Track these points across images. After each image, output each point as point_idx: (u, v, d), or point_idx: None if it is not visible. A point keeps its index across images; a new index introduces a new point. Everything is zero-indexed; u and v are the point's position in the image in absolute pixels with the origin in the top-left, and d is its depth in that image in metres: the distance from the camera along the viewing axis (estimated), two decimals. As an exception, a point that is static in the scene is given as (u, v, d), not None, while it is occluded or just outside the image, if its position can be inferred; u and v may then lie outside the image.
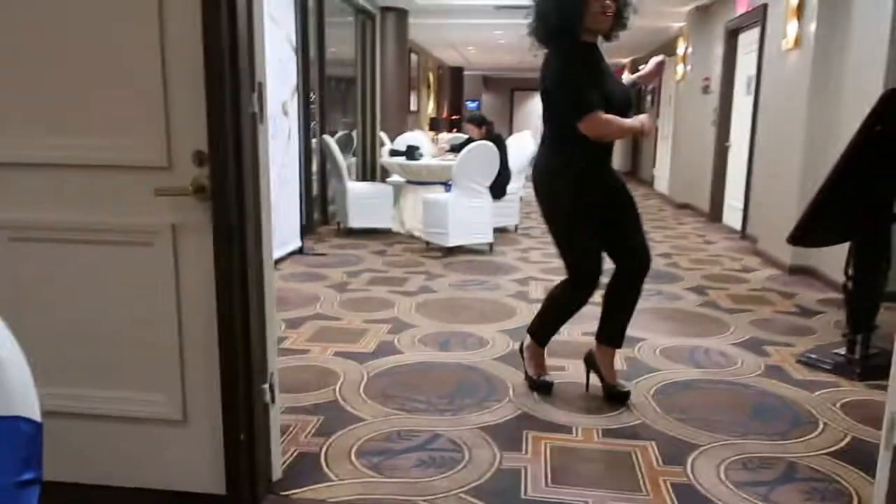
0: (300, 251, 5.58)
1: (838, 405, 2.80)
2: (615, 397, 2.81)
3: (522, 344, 3.05)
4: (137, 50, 1.73)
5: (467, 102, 19.74)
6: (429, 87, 14.81)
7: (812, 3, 5.11)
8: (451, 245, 5.66)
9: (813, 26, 5.10)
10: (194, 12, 1.69)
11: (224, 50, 1.73)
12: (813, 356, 3.32)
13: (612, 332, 2.90)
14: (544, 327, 2.95)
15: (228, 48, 1.74)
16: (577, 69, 2.62)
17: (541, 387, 2.90)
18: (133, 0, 1.71)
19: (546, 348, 2.99)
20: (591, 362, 2.93)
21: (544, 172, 2.78)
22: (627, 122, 2.65)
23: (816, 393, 2.92)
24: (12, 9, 1.74)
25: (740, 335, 3.71)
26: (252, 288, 1.85)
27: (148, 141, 1.78)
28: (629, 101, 2.78)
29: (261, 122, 1.89)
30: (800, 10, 5.32)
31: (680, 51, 9.70)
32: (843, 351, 3.28)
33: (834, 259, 3.36)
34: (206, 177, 1.76)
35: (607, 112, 2.58)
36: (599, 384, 2.87)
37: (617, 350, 2.94)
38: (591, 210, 2.71)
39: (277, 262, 5.14)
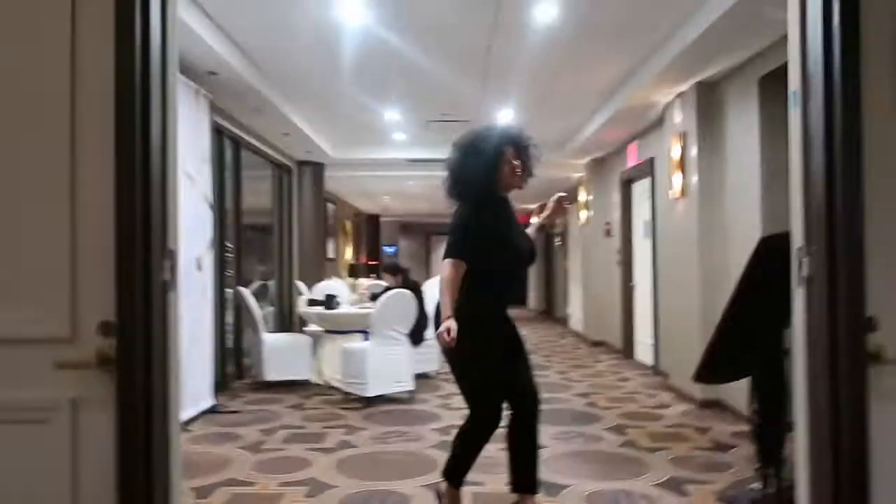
0: (213, 410, 5.32)
1: (758, 544, 2.82)
2: None
3: (438, 492, 3.03)
4: (46, 220, 1.72)
5: (385, 248, 20.15)
6: (346, 233, 15.10)
7: (692, 158, 5.70)
8: (370, 395, 5.56)
9: (695, 178, 5.65)
10: (105, 182, 1.71)
11: (137, 219, 1.74)
12: (731, 494, 3.37)
13: (525, 478, 2.95)
14: (459, 469, 2.97)
15: (141, 217, 1.75)
16: (467, 221, 2.91)
17: None
18: (43, 170, 1.72)
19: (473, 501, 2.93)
20: None
21: (458, 308, 2.84)
22: (446, 301, 2.79)
23: (737, 532, 2.94)
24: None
25: (661, 475, 3.74)
26: (157, 467, 1.75)
27: (50, 312, 1.73)
28: (532, 253, 3.11)
29: (172, 290, 1.88)
30: (682, 164, 5.91)
31: (582, 198, 10.42)
32: (758, 486, 3.35)
33: (741, 392, 3.54)
34: (111, 348, 1.71)
35: (510, 260, 2.92)
36: None
37: (535, 496, 2.94)
38: (494, 352, 2.89)
39: (188, 422, 4.87)
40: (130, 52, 1.71)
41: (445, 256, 2.90)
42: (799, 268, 1.96)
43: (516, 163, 2.99)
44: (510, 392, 2.94)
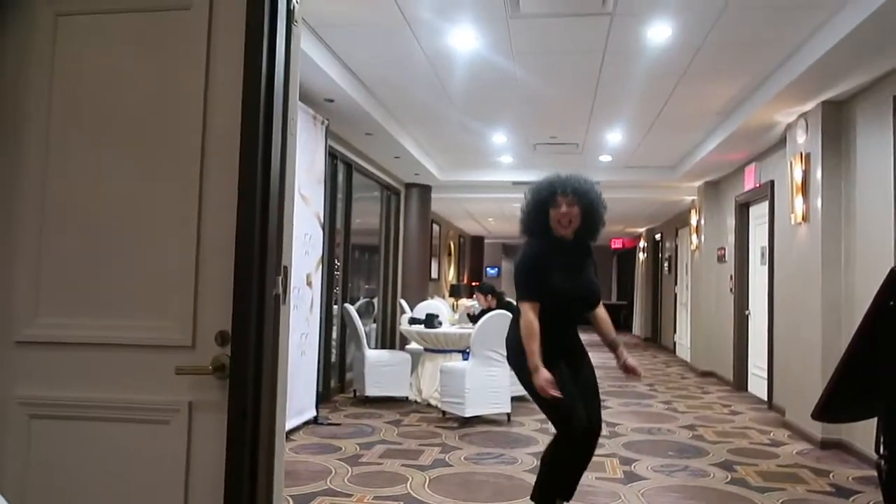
0: (315, 421, 5.51)
1: None
2: None
3: None
4: (176, 237, 1.87)
5: (487, 269, 20.21)
6: (450, 254, 15.28)
7: (816, 181, 5.37)
8: (467, 415, 5.57)
9: (819, 202, 5.31)
10: (229, 205, 1.84)
11: (255, 238, 1.85)
12: (853, 544, 3.10)
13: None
14: (544, 487, 3.09)
15: (259, 236, 1.87)
16: (534, 261, 3.07)
17: None
18: (176, 195, 1.88)
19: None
20: None
21: (516, 342, 3.07)
22: (531, 349, 2.93)
23: (860, 588, 2.71)
24: (63, 208, 1.91)
25: (773, 519, 3.51)
26: (261, 468, 1.84)
27: (174, 321, 1.87)
28: (591, 294, 3.22)
29: (283, 303, 1.99)
30: (804, 187, 5.57)
31: (693, 222, 10.04)
32: (885, 538, 3.07)
33: (868, 433, 3.26)
34: (226, 356, 1.83)
35: (560, 299, 3.03)
36: None
37: None
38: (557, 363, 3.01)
39: (291, 432, 5.07)
40: (256, 84, 1.84)
41: (521, 299, 3.05)
42: (933, 301, 1.80)
43: (565, 210, 3.08)
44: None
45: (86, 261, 1.90)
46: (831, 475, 4.36)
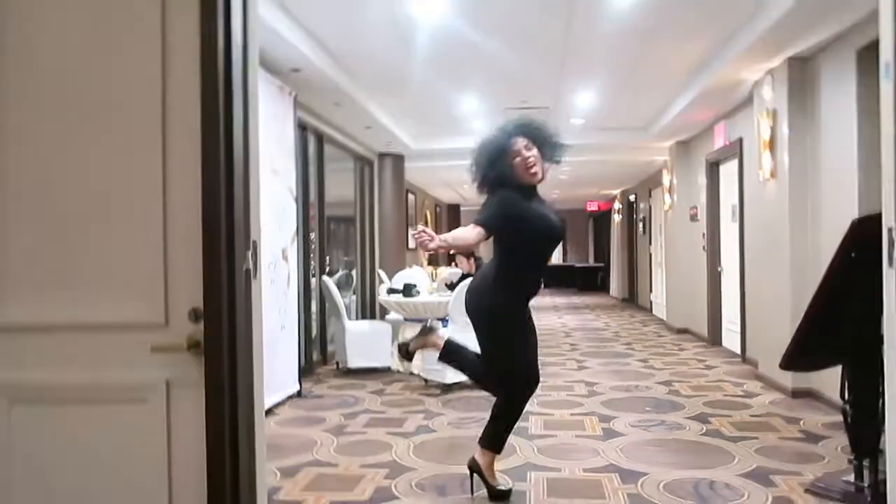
0: (298, 394, 5.55)
1: (851, 540, 2.70)
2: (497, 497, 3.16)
3: (474, 462, 3.25)
4: (141, 217, 1.86)
5: (465, 236, 20.21)
6: (427, 223, 15.27)
7: (783, 136, 5.44)
8: (449, 382, 5.64)
9: (786, 158, 5.39)
10: (193, 180, 1.83)
11: (221, 213, 1.85)
12: (821, 485, 3.24)
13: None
14: (497, 435, 3.22)
15: (225, 211, 1.86)
16: (501, 202, 2.99)
17: (506, 493, 3.19)
18: (138, 173, 1.86)
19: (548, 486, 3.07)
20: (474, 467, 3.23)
21: (485, 296, 3.14)
22: (447, 241, 2.91)
23: (827, 527, 2.83)
24: (23, 192, 1.89)
25: (746, 465, 3.63)
26: (242, 443, 1.86)
27: (147, 300, 1.86)
28: (559, 235, 3.17)
29: (254, 278, 1.99)
30: (772, 144, 5.64)
31: (665, 182, 10.13)
32: (851, 478, 3.20)
33: (836, 381, 3.38)
34: (200, 333, 1.83)
35: (539, 242, 3.07)
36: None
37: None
38: (527, 326, 3.18)
39: (275, 406, 5.10)
40: (213, 54, 1.81)
41: (476, 222, 2.93)
42: (890, 249, 1.86)
43: (527, 154, 3.01)
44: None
45: (51, 243, 1.88)
46: (802, 422, 4.51)
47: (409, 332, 6.69)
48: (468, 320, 5.67)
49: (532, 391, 3.23)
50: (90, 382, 1.87)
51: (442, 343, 3.34)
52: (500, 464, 3.73)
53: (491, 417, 3.25)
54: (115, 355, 1.87)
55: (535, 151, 3.04)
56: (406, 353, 3.42)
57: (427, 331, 3.37)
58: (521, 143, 3.03)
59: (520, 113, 3.28)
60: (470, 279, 5.91)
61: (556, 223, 3.13)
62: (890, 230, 1.86)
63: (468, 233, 2.90)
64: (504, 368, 3.15)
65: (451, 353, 3.35)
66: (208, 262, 1.82)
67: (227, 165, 1.85)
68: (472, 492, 3.25)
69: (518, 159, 3.01)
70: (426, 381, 5.96)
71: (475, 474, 3.24)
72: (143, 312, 1.86)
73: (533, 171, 3.03)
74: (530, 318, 3.24)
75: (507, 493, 3.20)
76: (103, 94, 1.87)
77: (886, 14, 1.88)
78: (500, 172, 3.01)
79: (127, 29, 1.87)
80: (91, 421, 1.87)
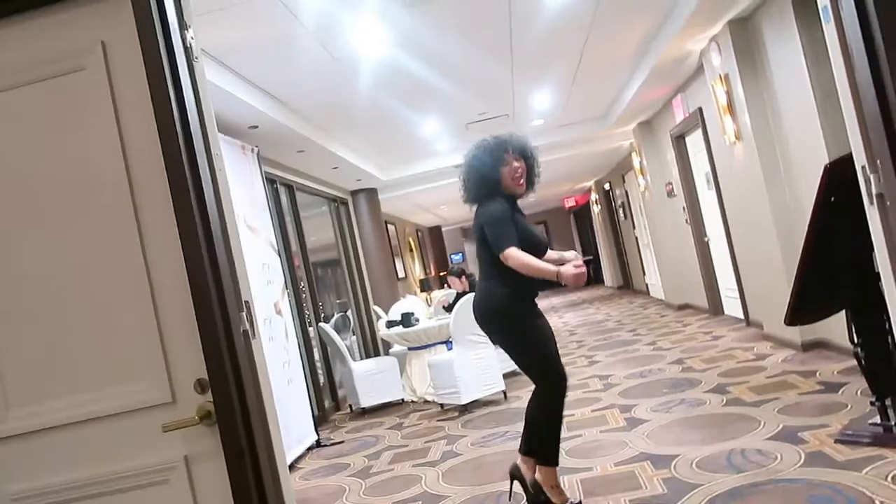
0: (317, 444, 5.49)
1: (890, 478, 2.70)
2: None
3: (516, 468, 3.15)
4: (129, 298, 1.84)
5: (452, 255, 20.26)
6: (411, 250, 15.27)
7: (740, 98, 5.52)
8: (465, 402, 5.61)
9: (747, 118, 5.46)
10: (175, 253, 1.82)
11: (208, 280, 1.83)
12: (850, 433, 3.24)
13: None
14: (550, 445, 3.08)
15: (212, 278, 1.84)
16: (504, 213, 3.06)
17: None
18: (116, 249, 1.84)
19: (583, 487, 2.94)
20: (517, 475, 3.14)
21: (490, 302, 3.12)
22: (543, 265, 2.95)
23: (865, 471, 2.83)
24: (6, 296, 1.86)
25: (772, 427, 3.63)
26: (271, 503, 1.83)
27: (151, 381, 1.84)
28: (546, 244, 3.24)
29: (253, 338, 1.97)
30: (730, 107, 5.72)
31: (636, 164, 10.22)
32: (878, 419, 3.21)
33: (843, 327, 3.40)
34: (210, 402, 1.81)
35: (530, 250, 3.02)
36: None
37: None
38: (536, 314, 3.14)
39: (297, 461, 5.04)
40: (171, 130, 1.80)
41: (504, 247, 2.97)
42: (867, 187, 1.88)
43: (517, 165, 3.15)
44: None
45: (43, 343, 1.85)
46: (818, 374, 4.52)
47: (416, 363, 6.66)
48: (471, 338, 5.70)
49: (565, 385, 3.10)
50: (107, 474, 1.83)
51: (528, 461, 3.14)
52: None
53: (533, 433, 3.10)
54: (127, 442, 1.84)
55: (522, 164, 3.18)
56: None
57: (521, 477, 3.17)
58: (509, 155, 3.15)
59: (507, 130, 3.40)
60: (466, 297, 5.92)
61: (542, 236, 3.31)
62: (864, 168, 1.88)
63: (520, 255, 2.95)
64: (537, 365, 3.08)
65: (535, 449, 3.13)
66: (205, 331, 1.80)
67: (206, 232, 1.84)
68: None
69: (507, 169, 3.13)
70: (442, 406, 5.92)
71: (514, 479, 3.15)
72: (149, 393, 1.84)
73: (521, 181, 3.18)
74: (542, 315, 3.22)
75: None
76: (69, 190, 1.86)
77: (816, -38, 1.92)
78: (489, 182, 3.14)
79: (80, 120, 1.86)
80: (115, 513, 1.83)
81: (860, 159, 1.89)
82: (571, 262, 2.94)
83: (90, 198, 1.86)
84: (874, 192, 1.84)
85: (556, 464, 3.09)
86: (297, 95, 5.64)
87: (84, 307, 1.86)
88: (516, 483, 3.18)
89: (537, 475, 3.09)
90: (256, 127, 5.57)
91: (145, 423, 1.83)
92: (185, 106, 1.85)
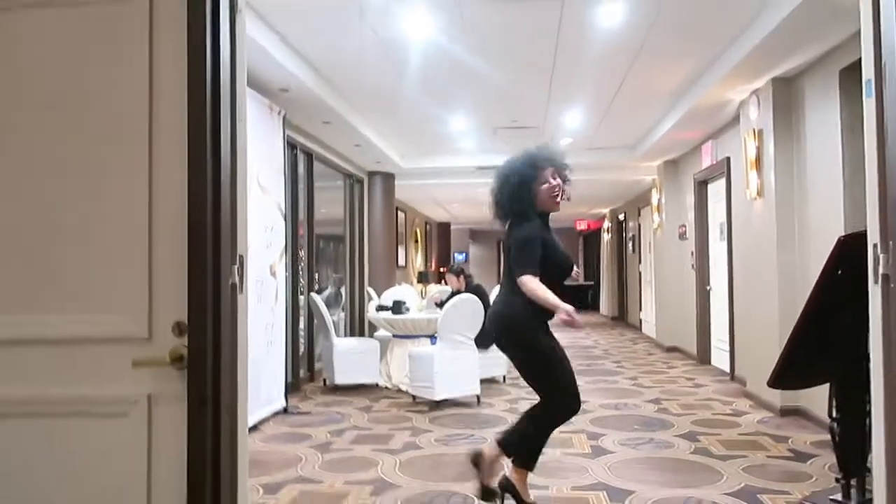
0: (284, 410, 5.50)
1: (839, 558, 2.69)
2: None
3: (507, 480, 3.14)
4: (127, 230, 1.84)
5: (455, 254, 20.26)
6: (416, 241, 15.28)
7: (769, 156, 5.49)
8: (437, 399, 5.61)
9: (772, 177, 5.44)
10: (180, 194, 1.82)
11: (207, 227, 1.83)
12: (809, 504, 3.23)
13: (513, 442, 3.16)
14: (533, 451, 3.13)
15: (212, 225, 1.85)
16: (534, 240, 3.06)
17: None
18: (123, 176, 1.85)
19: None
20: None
21: (512, 317, 3.11)
22: (555, 299, 2.95)
23: (816, 545, 2.81)
24: (5, 203, 1.87)
25: (734, 483, 3.62)
26: (224, 457, 1.83)
27: (131, 314, 1.84)
28: (572, 266, 3.22)
29: (240, 293, 1.98)
30: (758, 163, 5.70)
31: (654, 201, 10.19)
32: (839, 497, 3.20)
33: (824, 399, 3.39)
34: (184, 346, 1.81)
35: (556, 270, 3.07)
36: None
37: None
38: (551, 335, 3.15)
39: (261, 422, 5.05)
40: (201, 70, 1.81)
41: (524, 271, 3.00)
42: (875, 265, 1.87)
43: (554, 182, 3.12)
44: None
45: (34, 256, 1.86)
46: (790, 441, 4.51)
47: (398, 351, 6.67)
48: (457, 338, 5.69)
49: (577, 407, 3.12)
50: (70, 397, 1.84)
51: (497, 451, 3.15)
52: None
53: (522, 436, 3.14)
54: (95, 369, 1.84)
55: (559, 181, 3.15)
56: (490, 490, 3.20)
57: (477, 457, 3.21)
58: (549, 171, 3.11)
59: (544, 143, 3.37)
60: (460, 297, 5.92)
61: (569, 256, 3.25)
62: (875, 246, 1.87)
63: (536, 285, 2.96)
64: (547, 386, 3.09)
65: (511, 445, 3.16)
66: (194, 276, 1.81)
67: (215, 178, 1.84)
68: None
69: (545, 186, 3.10)
70: (414, 397, 5.93)
71: (506, 492, 3.15)
72: (126, 326, 1.84)
73: (558, 200, 3.15)
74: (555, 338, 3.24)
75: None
76: (87, 107, 1.87)
77: (867, 34, 1.91)
78: (524, 197, 3.10)
79: (114, 49, 1.87)
80: (70, 435, 1.84)
81: (874, 237, 1.88)
82: (567, 311, 2.90)
83: (109, 124, 1.86)
84: (881, 271, 1.82)
85: (530, 469, 3.14)
86: (334, 67, 5.64)
87: (81, 230, 1.86)
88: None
89: (511, 473, 3.13)
90: (287, 90, 5.57)
91: (116, 355, 1.83)
92: (219, 52, 1.85)
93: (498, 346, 3.31)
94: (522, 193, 3.09)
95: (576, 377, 3.15)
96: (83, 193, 1.86)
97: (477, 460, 3.17)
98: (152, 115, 1.85)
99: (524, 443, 3.13)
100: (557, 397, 3.07)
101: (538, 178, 3.11)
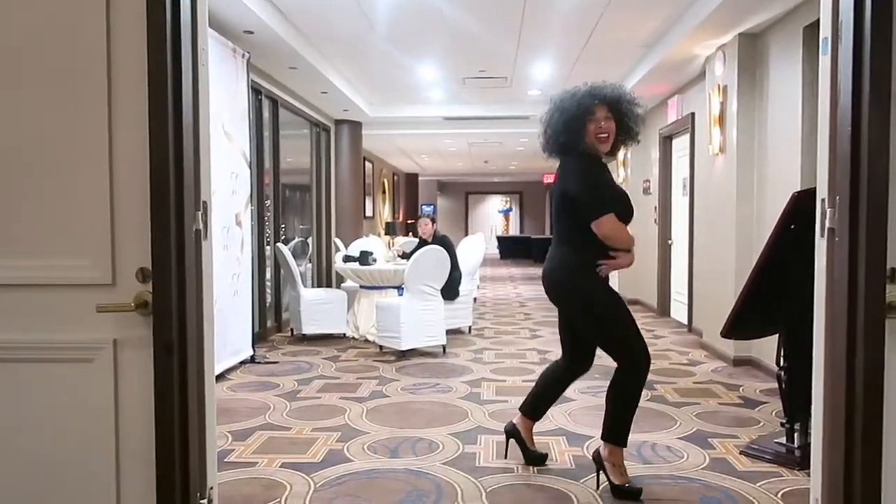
0: (252, 360, 5.53)
1: (779, 495, 2.87)
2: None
3: (598, 454, 2.97)
4: (87, 175, 1.82)
5: (423, 206, 20.23)
6: (384, 192, 15.20)
7: (732, 112, 5.57)
8: (404, 348, 5.69)
9: (734, 133, 5.52)
10: (141, 138, 1.80)
11: (170, 171, 1.81)
12: (755, 447, 3.40)
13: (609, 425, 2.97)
14: (624, 426, 2.91)
15: (174, 169, 1.83)
16: (600, 175, 2.87)
17: (635, 492, 2.83)
18: (82, 119, 1.81)
19: (496, 449, 3.02)
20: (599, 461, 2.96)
21: (570, 272, 2.91)
22: (631, 239, 2.89)
23: (758, 484, 2.99)
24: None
25: (687, 429, 3.79)
26: (192, 402, 1.86)
27: (93, 259, 1.83)
28: (632, 209, 2.98)
29: (205, 239, 1.98)
30: (721, 119, 5.77)
31: (620, 155, 10.25)
32: (783, 440, 3.38)
33: (774, 350, 3.55)
34: (149, 292, 1.82)
35: (628, 214, 2.88)
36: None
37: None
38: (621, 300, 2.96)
39: (228, 371, 5.08)
40: (161, 11, 1.77)
41: (605, 212, 2.79)
42: (822, 219, 1.95)
43: (602, 124, 2.85)
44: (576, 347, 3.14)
45: (-9, 200, 1.83)
46: (741, 389, 4.71)
47: (365, 301, 6.72)
48: (423, 289, 5.75)
49: (650, 361, 2.94)
50: (33, 341, 1.84)
51: (609, 447, 2.93)
52: (454, 426, 3.81)
53: (615, 419, 2.91)
54: (59, 315, 1.84)
55: (612, 125, 2.88)
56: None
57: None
58: (602, 111, 2.86)
59: (611, 84, 2.99)
60: (425, 248, 5.96)
61: (628, 198, 3.01)
62: (823, 201, 1.94)
63: (616, 224, 2.82)
64: (619, 341, 2.89)
65: (614, 433, 2.93)
66: (156, 221, 1.80)
67: (176, 122, 1.82)
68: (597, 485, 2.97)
69: (593, 126, 2.85)
70: (381, 347, 6.01)
71: (600, 471, 2.95)
72: (89, 271, 1.83)
73: (603, 142, 2.87)
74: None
75: (636, 492, 2.85)
76: (44, 52, 1.81)
77: (827, -9, 1.94)
78: (571, 134, 2.86)
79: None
80: (35, 380, 1.84)
81: (822, 192, 1.95)
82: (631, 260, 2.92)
83: (65, 64, 1.81)
84: (827, 225, 1.90)
85: (624, 444, 2.91)
86: (302, 10, 5.49)
87: (40, 173, 1.83)
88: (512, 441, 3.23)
89: (603, 451, 2.92)
90: (252, 32, 5.43)
91: (80, 300, 1.83)
92: (179, -6, 1.80)
93: (560, 306, 3.05)
94: (569, 129, 2.85)
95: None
96: (40, 137, 1.82)
97: (598, 462, 2.96)
98: (110, 55, 1.81)
99: (617, 419, 2.91)
100: (636, 352, 2.86)
101: (587, 114, 2.85)
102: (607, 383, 2.95)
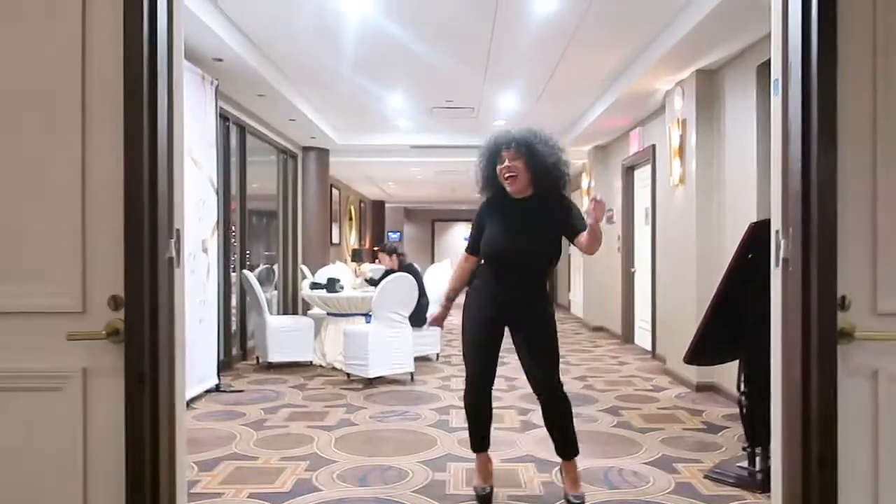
0: (217, 388, 5.45)
1: (742, 518, 2.93)
2: None
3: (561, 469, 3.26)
4: (60, 202, 1.81)
5: (389, 233, 20.24)
6: (351, 219, 15.19)
7: (691, 145, 5.76)
8: (371, 376, 5.68)
9: (693, 165, 5.71)
10: (115, 166, 1.81)
11: (144, 198, 1.82)
12: (719, 471, 3.47)
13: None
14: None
15: (148, 196, 1.84)
16: (478, 217, 3.26)
17: None
18: (57, 156, 1.81)
19: (466, 476, 3.06)
20: None
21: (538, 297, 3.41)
22: (448, 292, 3.45)
23: (722, 507, 3.05)
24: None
25: (652, 454, 3.85)
26: (163, 432, 1.85)
27: (64, 287, 1.82)
28: (518, 251, 3.10)
29: (177, 267, 1.98)
30: (681, 151, 5.96)
31: (584, 185, 10.47)
32: (745, 464, 3.46)
33: (735, 375, 3.66)
34: (120, 320, 1.81)
35: (489, 254, 3.16)
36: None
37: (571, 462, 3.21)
38: (483, 324, 3.25)
39: (193, 400, 5.00)
40: (138, 40, 1.79)
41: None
42: (777, 250, 2.04)
43: (507, 163, 3.05)
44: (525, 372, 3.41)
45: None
46: (704, 414, 4.80)
47: (332, 329, 6.69)
48: (391, 316, 5.75)
49: (478, 405, 3.36)
50: (2, 370, 1.81)
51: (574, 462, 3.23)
52: (423, 454, 3.81)
53: (565, 426, 3.21)
54: (27, 342, 1.82)
55: (518, 163, 3.03)
56: None
57: None
58: (509, 153, 3.05)
59: (527, 125, 3.27)
60: (394, 275, 5.98)
61: (510, 241, 3.08)
62: (777, 232, 2.04)
63: (457, 264, 3.43)
64: (557, 359, 3.36)
65: (574, 446, 3.24)
66: (130, 248, 1.80)
67: (151, 151, 1.83)
68: None
69: (501, 167, 3.08)
70: (349, 375, 5.97)
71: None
72: (59, 299, 1.82)
73: (510, 182, 3.06)
74: (524, 318, 3.38)
75: None
76: (16, 71, 1.81)
77: (777, 34, 2.06)
78: (488, 175, 3.20)
79: (46, 13, 1.82)
80: (2, 409, 1.81)
81: (776, 224, 2.05)
82: (433, 315, 3.42)
83: (39, 89, 1.81)
84: (781, 255, 2.00)
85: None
86: (270, 39, 5.55)
87: (10, 198, 1.82)
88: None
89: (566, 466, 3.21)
90: (221, 60, 5.45)
91: (50, 328, 1.82)
92: (156, 23, 1.84)
93: (526, 330, 3.28)
94: (487, 172, 3.20)
95: (478, 368, 3.31)
96: (10, 161, 1.82)
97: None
98: (84, 80, 1.81)
99: (573, 435, 3.22)
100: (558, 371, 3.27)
101: (494, 159, 3.13)
102: (576, 409, 3.03)
